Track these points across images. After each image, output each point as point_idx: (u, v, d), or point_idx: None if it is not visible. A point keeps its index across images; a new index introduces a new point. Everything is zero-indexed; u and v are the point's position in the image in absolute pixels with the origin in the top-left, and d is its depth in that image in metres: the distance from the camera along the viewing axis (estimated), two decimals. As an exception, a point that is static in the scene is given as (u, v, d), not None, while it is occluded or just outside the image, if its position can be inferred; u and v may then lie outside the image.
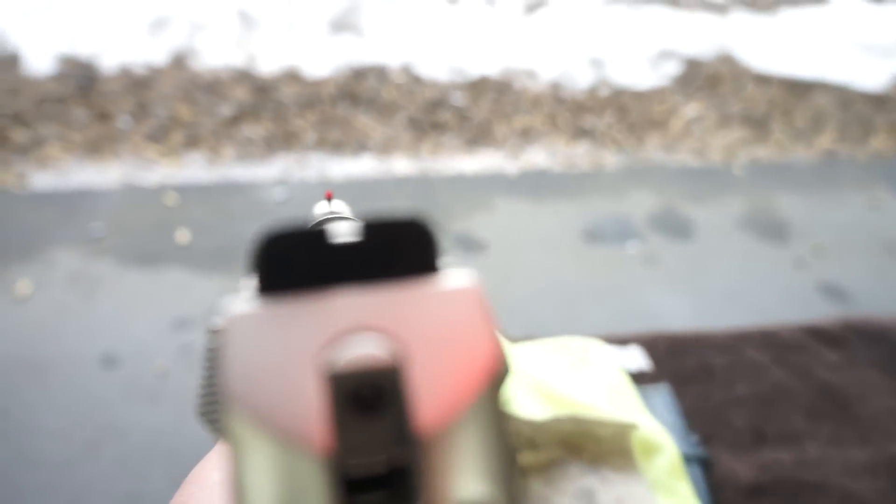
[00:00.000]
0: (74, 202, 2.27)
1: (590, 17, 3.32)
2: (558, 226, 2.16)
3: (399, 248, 0.12)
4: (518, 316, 1.87)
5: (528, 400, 0.62)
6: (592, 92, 2.80)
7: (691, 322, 1.86)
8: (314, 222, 0.29)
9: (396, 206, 2.25)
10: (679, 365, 0.75)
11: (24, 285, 1.95)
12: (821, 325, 0.85)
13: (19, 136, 2.59)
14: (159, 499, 1.45)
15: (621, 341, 0.77)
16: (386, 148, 2.54)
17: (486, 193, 2.30)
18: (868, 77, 2.88)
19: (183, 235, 2.13)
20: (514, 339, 0.77)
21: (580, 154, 2.49)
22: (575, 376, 0.68)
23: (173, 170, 2.44)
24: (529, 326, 1.82)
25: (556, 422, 0.58)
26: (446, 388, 0.12)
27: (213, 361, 0.15)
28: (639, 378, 0.73)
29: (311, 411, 0.12)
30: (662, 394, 0.71)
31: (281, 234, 0.12)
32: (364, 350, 0.12)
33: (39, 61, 3.01)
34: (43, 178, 2.40)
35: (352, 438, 0.12)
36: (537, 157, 2.48)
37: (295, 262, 0.12)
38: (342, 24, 3.34)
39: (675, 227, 2.16)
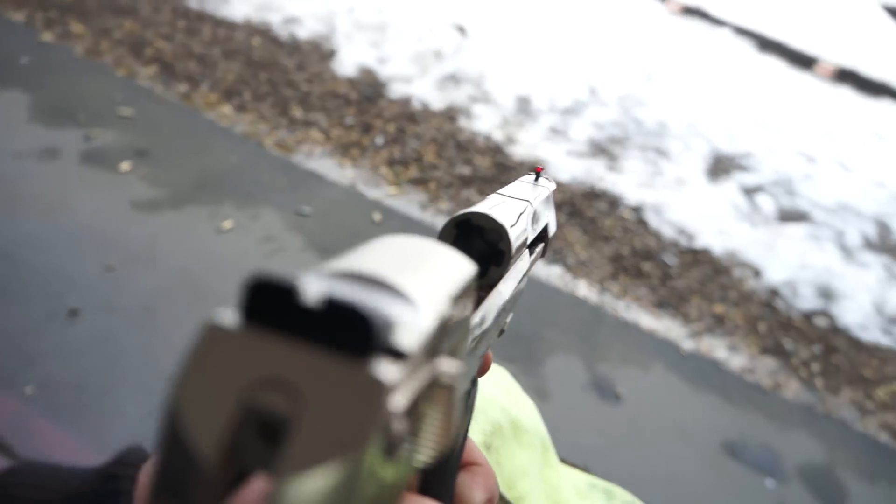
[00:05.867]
0: (303, 181, 2.53)
1: (844, 251, 3.10)
2: (704, 423, 2.00)
3: (344, 327, 0.15)
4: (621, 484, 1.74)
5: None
6: (809, 317, 2.59)
7: None
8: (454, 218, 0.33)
9: (560, 321, 2.23)
10: None
11: (228, 223, 2.20)
12: None
13: (298, 113, 2.97)
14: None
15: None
16: (580, 267, 2.54)
17: (649, 355, 2.20)
18: None
19: (368, 250, 2.28)
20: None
21: (764, 368, 2.30)
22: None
23: (394, 195, 2.64)
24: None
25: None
26: (317, 448, 0.14)
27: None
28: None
29: (217, 426, 0.15)
30: None
31: (264, 280, 0.15)
32: (274, 397, 0.14)
33: (347, 64, 3.45)
34: (292, 151, 2.72)
35: (240, 455, 0.15)
36: (718, 347, 2.33)
37: (268, 303, 0.15)
38: (601, 149, 3.44)
39: (827, 489, 1.90)
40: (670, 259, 2.70)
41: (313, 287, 0.15)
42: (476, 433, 0.60)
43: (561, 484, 0.66)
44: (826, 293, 2.74)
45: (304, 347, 0.15)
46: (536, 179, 0.43)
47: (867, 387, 2.33)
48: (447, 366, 0.18)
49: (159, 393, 1.63)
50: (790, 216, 3.26)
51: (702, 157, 3.68)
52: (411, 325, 0.16)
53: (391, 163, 2.84)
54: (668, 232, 2.87)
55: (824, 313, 2.64)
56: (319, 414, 0.14)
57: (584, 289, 2.44)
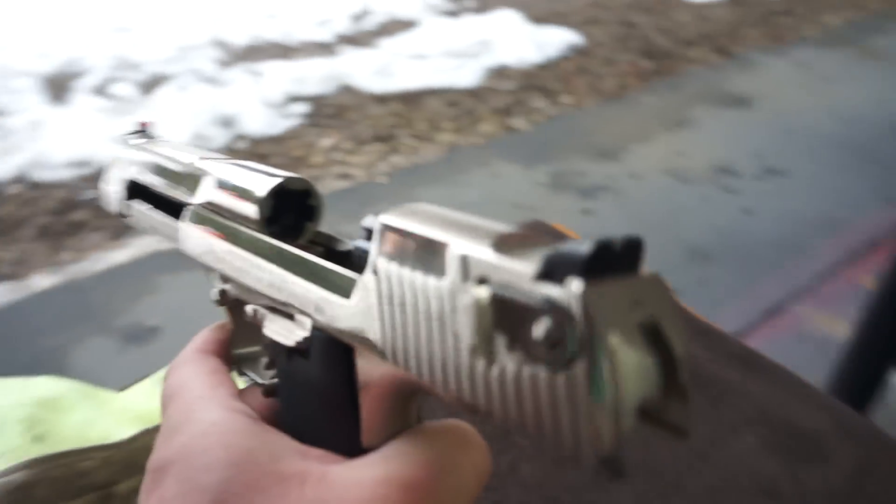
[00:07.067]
0: None
1: (211, 81, 3.31)
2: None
3: (629, 255, 0.20)
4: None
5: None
6: (230, 148, 2.79)
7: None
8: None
9: (41, 325, 2.00)
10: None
11: None
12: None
13: None
14: None
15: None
16: (19, 268, 2.24)
17: (150, 277, 2.15)
18: (463, 77, 3.31)
19: None
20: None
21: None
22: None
23: None
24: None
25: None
26: (678, 328, 0.20)
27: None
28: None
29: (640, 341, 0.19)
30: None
31: (603, 243, 0.19)
32: (644, 313, 0.19)
33: None
34: None
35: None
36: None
37: (600, 258, 0.19)
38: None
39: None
40: (90, 194, 2.55)
41: (616, 238, 0.20)
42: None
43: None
44: (226, 122, 2.95)
45: (627, 276, 0.20)
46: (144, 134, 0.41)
47: (304, 161, 2.69)
48: None
49: None
50: (150, 85, 3.30)
51: (32, 90, 3.38)
52: None
53: None
54: (65, 174, 2.66)
55: (238, 138, 2.87)
56: (660, 310, 0.20)
57: (40, 281, 2.19)
